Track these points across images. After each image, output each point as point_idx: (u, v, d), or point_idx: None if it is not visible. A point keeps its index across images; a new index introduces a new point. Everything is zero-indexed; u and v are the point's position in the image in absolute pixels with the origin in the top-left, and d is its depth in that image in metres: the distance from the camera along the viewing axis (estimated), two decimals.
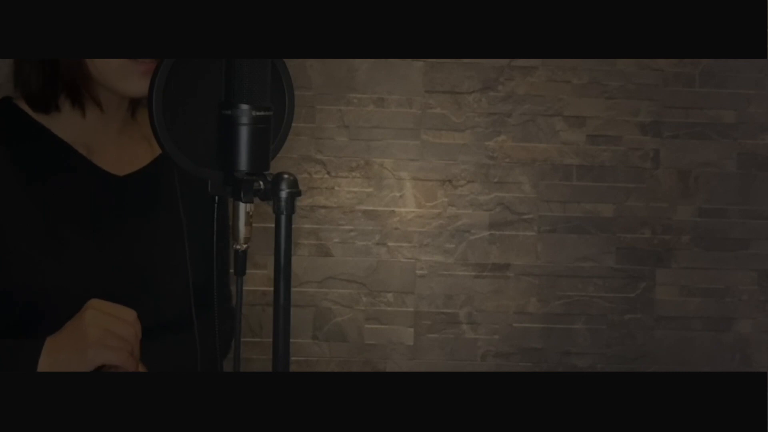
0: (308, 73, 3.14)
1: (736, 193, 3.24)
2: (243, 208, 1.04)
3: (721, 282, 3.25)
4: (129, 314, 1.24)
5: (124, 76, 1.26)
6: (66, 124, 1.33)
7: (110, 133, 1.36)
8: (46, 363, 1.22)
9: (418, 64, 3.18)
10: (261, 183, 1.01)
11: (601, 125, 3.21)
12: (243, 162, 1.03)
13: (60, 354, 1.22)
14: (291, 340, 1.00)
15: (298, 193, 0.99)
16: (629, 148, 3.22)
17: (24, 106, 1.33)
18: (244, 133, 1.03)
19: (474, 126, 3.20)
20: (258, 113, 1.03)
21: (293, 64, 1.12)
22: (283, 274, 0.98)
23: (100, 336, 1.19)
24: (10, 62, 1.32)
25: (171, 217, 1.37)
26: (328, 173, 3.18)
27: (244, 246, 1.05)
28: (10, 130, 1.32)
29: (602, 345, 3.26)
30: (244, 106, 1.02)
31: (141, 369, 1.25)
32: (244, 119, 1.02)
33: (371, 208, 3.20)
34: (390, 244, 3.21)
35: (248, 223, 1.04)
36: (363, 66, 3.16)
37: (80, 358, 1.20)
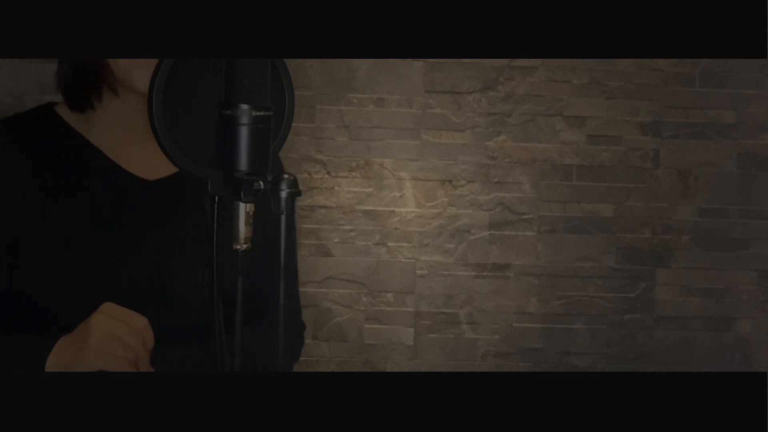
0: (308, 73, 3.14)
1: (736, 193, 3.24)
2: (243, 208, 1.04)
3: (721, 282, 3.25)
4: (138, 321, 1.23)
5: (146, 76, 1.27)
6: (98, 130, 1.35)
7: (140, 138, 1.36)
8: (52, 363, 1.22)
9: (418, 64, 3.18)
10: (261, 183, 1.01)
11: (601, 125, 3.21)
12: (243, 162, 1.03)
13: (63, 355, 1.22)
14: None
15: (298, 193, 0.99)
16: (629, 148, 3.22)
17: (62, 112, 1.36)
18: (244, 133, 1.03)
19: (474, 126, 3.20)
20: (258, 113, 1.03)
21: (293, 64, 1.12)
22: (283, 274, 0.98)
23: (103, 341, 1.19)
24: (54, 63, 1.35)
25: (201, 223, 1.37)
26: (328, 173, 3.18)
27: (244, 246, 1.05)
28: (46, 135, 1.34)
29: (602, 345, 3.26)
30: (244, 106, 1.02)
31: None
32: (244, 119, 1.02)
33: (371, 208, 3.20)
34: (390, 244, 3.21)
35: (248, 223, 1.04)
36: (363, 66, 3.17)
37: (80, 361, 1.20)
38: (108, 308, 1.23)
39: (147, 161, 1.37)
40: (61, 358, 1.23)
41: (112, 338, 1.19)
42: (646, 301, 3.25)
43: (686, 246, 3.24)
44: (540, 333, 3.25)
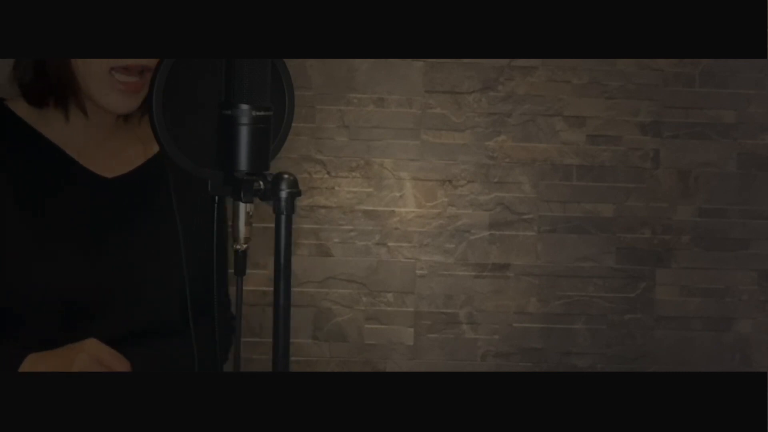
0: (308, 73, 3.14)
1: (736, 193, 3.24)
2: (243, 208, 1.04)
3: (721, 282, 3.25)
4: (123, 366, 1.21)
5: (106, 92, 1.26)
6: (55, 127, 1.32)
7: (100, 136, 1.35)
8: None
9: (418, 64, 3.18)
10: (261, 183, 1.01)
11: (601, 125, 3.21)
12: (243, 162, 1.03)
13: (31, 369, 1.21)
14: (291, 340, 1.00)
15: (298, 193, 0.99)
16: (629, 148, 3.22)
17: (15, 107, 1.33)
18: (244, 133, 1.03)
19: (474, 126, 3.20)
20: (258, 113, 1.03)
21: (293, 64, 1.12)
22: (283, 274, 0.98)
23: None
24: (8, 62, 1.32)
25: (165, 219, 1.35)
26: (328, 173, 3.18)
27: (244, 246, 1.05)
28: (1, 130, 1.32)
29: (602, 345, 3.26)
30: (244, 106, 1.02)
31: None
32: (244, 119, 1.02)
33: (371, 208, 3.20)
34: (390, 244, 3.21)
35: (248, 223, 1.04)
36: (363, 66, 3.16)
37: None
38: (94, 348, 1.20)
39: (106, 158, 1.35)
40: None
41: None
42: (646, 301, 3.25)
43: (686, 246, 3.24)
44: (540, 333, 3.25)
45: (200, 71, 1.05)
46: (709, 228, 3.24)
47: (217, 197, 1.06)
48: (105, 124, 1.34)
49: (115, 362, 1.21)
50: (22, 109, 1.32)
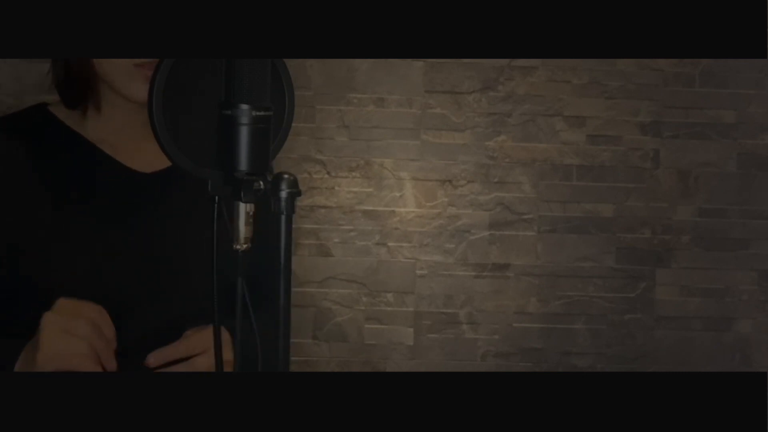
0: (308, 73, 3.14)
1: (736, 193, 3.24)
2: (243, 208, 1.04)
3: (721, 282, 3.25)
4: (91, 310, 1.19)
5: (129, 80, 1.28)
6: (91, 126, 1.36)
7: (135, 133, 1.36)
8: (19, 368, 1.20)
9: (418, 64, 3.18)
10: (261, 183, 1.01)
11: (601, 125, 3.21)
12: (243, 162, 1.03)
13: (23, 362, 1.20)
14: (291, 340, 1.00)
15: (298, 193, 0.99)
16: (629, 148, 3.22)
17: (55, 111, 1.36)
18: (244, 133, 1.03)
19: (474, 126, 3.20)
20: (258, 113, 1.03)
21: (293, 64, 1.12)
22: (283, 274, 0.98)
23: (53, 340, 1.16)
24: (45, 65, 1.35)
25: (199, 216, 1.36)
26: (328, 173, 3.18)
27: (244, 246, 1.05)
28: (42, 134, 1.35)
29: (602, 345, 3.26)
30: (244, 106, 1.02)
31: (110, 367, 1.20)
32: (244, 119, 1.02)
33: (371, 208, 3.20)
34: (390, 244, 3.21)
35: (248, 223, 1.04)
36: (363, 66, 3.16)
37: (35, 366, 1.16)
38: (59, 304, 1.19)
39: (144, 155, 1.37)
40: (21, 365, 1.20)
41: (64, 334, 1.16)
42: (646, 301, 3.25)
43: (686, 246, 3.24)
44: (540, 333, 3.25)
45: (200, 71, 1.05)
46: (709, 228, 3.24)
47: (217, 197, 1.06)
48: (138, 121, 1.35)
49: (82, 308, 1.19)
50: (62, 112, 1.36)
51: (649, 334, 3.25)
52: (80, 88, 1.32)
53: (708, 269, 3.25)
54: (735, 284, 3.25)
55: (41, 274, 1.28)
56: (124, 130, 1.37)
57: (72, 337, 1.17)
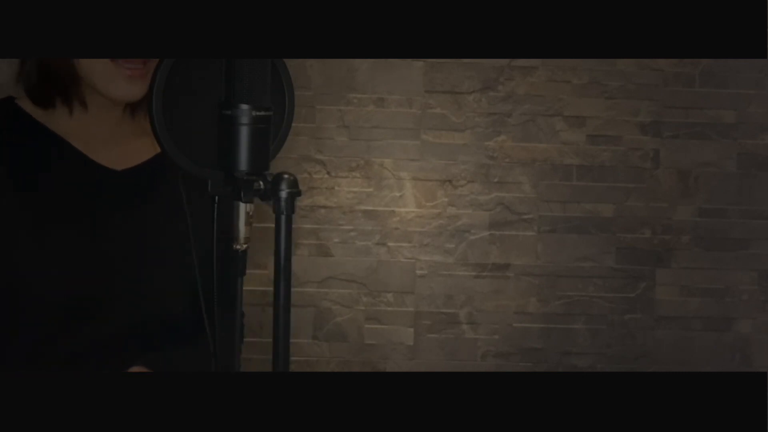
0: (308, 73, 3.14)
1: (736, 193, 3.24)
2: (243, 208, 1.04)
3: (721, 282, 3.25)
4: None
5: (110, 79, 1.27)
6: (62, 122, 1.34)
7: (107, 130, 1.35)
8: None
9: (418, 64, 3.18)
10: (261, 183, 1.01)
11: (601, 125, 3.21)
12: (243, 162, 1.03)
13: None
14: (291, 340, 1.00)
15: (298, 193, 0.99)
16: (629, 148, 3.22)
17: (24, 105, 1.34)
18: (244, 133, 1.03)
19: (474, 126, 3.20)
20: (258, 113, 1.03)
21: (293, 64, 1.12)
22: (283, 274, 0.98)
23: None
24: (15, 62, 1.33)
25: (174, 212, 1.35)
26: (328, 173, 3.18)
27: (244, 246, 1.05)
28: (9, 127, 1.33)
29: (602, 345, 3.26)
30: (244, 106, 1.02)
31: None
32: (244, 119, 1.02)
33: (371, 208, 3.20)
34: (390, 244, 3.21)
35: (248, 223, 1.04)
36: (363, 66, 3.16)
37: None
38: None
39: (114, 151, 1.36)
40: None
41: None
42: (646, 301, 3.25)
43: (686, 246, 3.24)
44: (540, 333, 3.25)
45: (200, 71, 1.05)
46: (709, 228, 3.24)
47: (217, 197, 1.06)
48: (111, 118, 1.34)
49: None
50: (30, 105, 1.34)
51: (649, 334, 3.25)
52: (53, 88, 1.30)
53: (708, 269, 3.25)
54: (735, 284, 3.25)
55: (10, 273, 1.27)
56: (98, 128, 1.35)
57: None
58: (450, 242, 3.22)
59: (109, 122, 1.35)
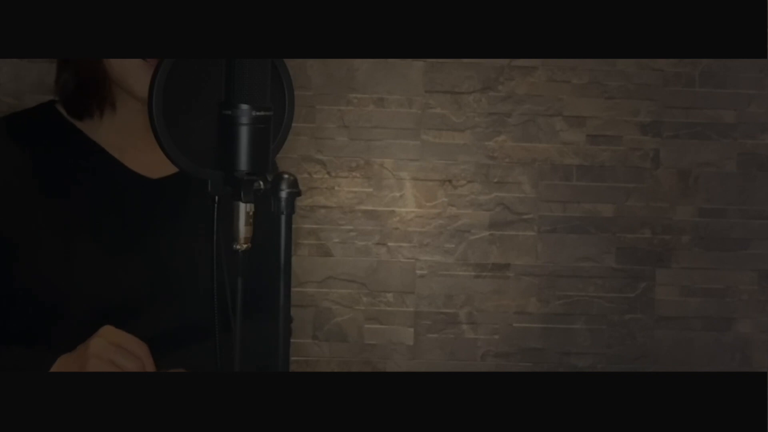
0: (308, 73, 3.14)
1: (736, 193, 3.24)
2: (243, 208, 1.04)
3: (721, 282, 3.25)
4: (138, 347, 1.21)
5: (139, 78, 1.27)
6: (99, 128, 1.34)
7: (139, 137, 1.35)
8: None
9: (418, 64, 3.18)
10: (261, 183, 1.01)
11: (601, 125, 3.21)
12: (243, 162, 1.03)
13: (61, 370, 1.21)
14: (291, 340, 1.00)
15: (298, 193, 0.99)
16: (629, 148, 3.22)
17: (62, 110, 1.35)
18: (244, 133, 1.03)
19: (474, 126, 3.20)
20: (258, 113, 1.03)
21: (293, 64, 1.12)
22: (283, 274, 0.98)
23: (100, 368, 1.18)
24: (51, 67, 1.34)
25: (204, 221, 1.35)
26: (328, 173, 3.18)
27: (244, 246, 1.04)
28: (47, 132, 1.34)
29: (602, 345, 3.26)
30: (244, 106, 1.02)
31: None
32: (244, 119, 1.02)
33: (371, 208, 3.20)
34: (390, 244, 3.21)
35: (248, 223, 1.04)
36: (363, 66, 3.16)
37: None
38: (107, 332, 1.20)
39: (150, 160, 1.36)
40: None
41: (110, 365, 1.18)
42: (646, 301, 3.25)
43: (686, 246, 3.24)
44: (540, 333, 3.24)
45: (200, 71, 1.05)
46: (709, 228, 3.24)
47: (217, 197, 1.06)
48: (147, 125, 1.35)
49: (132, 344, 1.20)
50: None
51: (649, 334, 3.25)
52: (87, 99, 1.31)
53: (708, 269, 3.25)
54: (735, 284, 3.25)
55: (42, 279, 1.27)
56: (132, 134, 1.35)
57: (118, 369, 1.18)
58: (450, 242, 3.22)
59: (140, 129, 1.35)
